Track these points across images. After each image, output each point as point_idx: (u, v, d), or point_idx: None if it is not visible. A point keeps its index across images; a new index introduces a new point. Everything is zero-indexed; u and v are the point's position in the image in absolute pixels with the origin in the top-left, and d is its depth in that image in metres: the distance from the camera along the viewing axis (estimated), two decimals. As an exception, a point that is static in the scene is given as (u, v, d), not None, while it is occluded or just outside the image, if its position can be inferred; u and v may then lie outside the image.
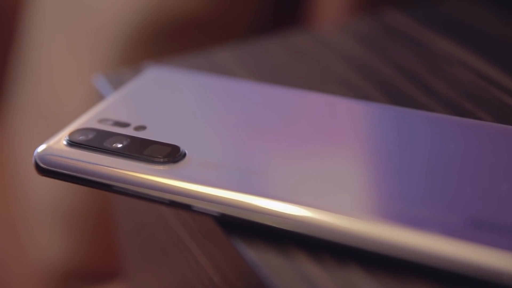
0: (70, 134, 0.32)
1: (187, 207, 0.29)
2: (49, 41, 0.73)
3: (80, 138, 0.32)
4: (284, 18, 0.66)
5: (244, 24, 0.64)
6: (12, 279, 0.71)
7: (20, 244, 0.74)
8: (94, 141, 0.32)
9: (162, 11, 0.62)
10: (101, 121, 0.33)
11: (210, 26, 0.63)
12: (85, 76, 0.67)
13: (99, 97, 0.39)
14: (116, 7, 0.64)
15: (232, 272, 0.29)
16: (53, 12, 0.73)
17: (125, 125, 0.33)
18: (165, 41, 0.62)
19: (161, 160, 0.31)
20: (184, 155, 0.31)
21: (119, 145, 0.32)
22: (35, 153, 0.32)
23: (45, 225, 0.70)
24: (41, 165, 0.32)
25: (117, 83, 0.39)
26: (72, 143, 0.32)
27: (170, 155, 0.31)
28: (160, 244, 0.37)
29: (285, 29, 0.64)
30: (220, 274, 0.30)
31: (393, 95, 0.36)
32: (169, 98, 0.35)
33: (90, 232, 0.67)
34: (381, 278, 0.26)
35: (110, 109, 0.34)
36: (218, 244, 0.30)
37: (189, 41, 0.63)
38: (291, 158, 0.31)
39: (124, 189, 0.30)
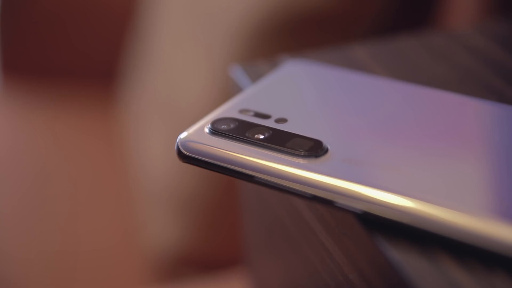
0: (213, 123, 0.33)
1: (329, 203, 0.29)
2: (169, 31, 0.74)
3: (223, 127, 0.33)
4: (409, 18, 0.65)
5: (368, 22, 0.63)
6: (123, 266, 0.73)
7: (133, 230, 0.76)
8: (236, 131, 0.32)
9: (287, 5, 0.62)
10: (242, 111, 0.34)
11: (334, 23, 0.62)
12: (205, 67, 0.68)
13: (235, 87, 0.40)
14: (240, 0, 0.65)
15: (371, 271, 0.29)
16: (175, 2, 0.74)
17: (266, 116, 0.33)
18: (289, 36, 0.62)
19: (303, 153, 0.31)
20: (326, 150, 0.31)
21: (261, 136, 0.32)
22: (178, 140, 0.32)
23: (158, 212, 0.71)
24: (184, 151, 0.32)
25: (253, 74, 0.39)
26: (214, 132, 0.32)
27: (313, 149, 0.31)
28: (290, 235, 0.37)
29: (411, 29, 0.64)
30: (358, 272, 0.30)
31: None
32: (309, 91, 0.35)
33: (204, 219, 0.67)
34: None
35: (250, 100, 0.35)
36: (357, 242, 0.30)
37: (312, 37, 0.62)
38: (437, 159, 0.30)
39: (267, 180, 0.30)
